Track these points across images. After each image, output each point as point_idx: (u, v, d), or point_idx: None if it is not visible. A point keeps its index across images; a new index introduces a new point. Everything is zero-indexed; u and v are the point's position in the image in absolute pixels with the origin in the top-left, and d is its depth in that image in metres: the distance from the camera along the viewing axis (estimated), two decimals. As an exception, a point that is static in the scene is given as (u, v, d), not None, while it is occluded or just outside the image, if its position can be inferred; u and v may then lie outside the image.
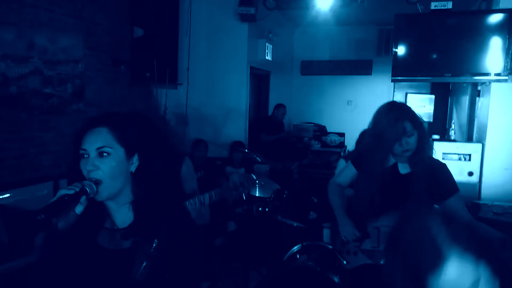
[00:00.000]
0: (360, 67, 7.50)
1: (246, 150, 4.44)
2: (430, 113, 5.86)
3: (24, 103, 3.34)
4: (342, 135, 7.00)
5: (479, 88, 4.21)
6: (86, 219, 1.16)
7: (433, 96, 5.93)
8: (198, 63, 5.35)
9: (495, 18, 3.70)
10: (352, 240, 2.08)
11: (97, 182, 1.14)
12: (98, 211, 1.22)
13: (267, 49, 6.01)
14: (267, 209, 3.69)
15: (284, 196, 3.82)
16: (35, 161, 3.46)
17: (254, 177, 3.67)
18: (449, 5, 3.80)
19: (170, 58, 4.55)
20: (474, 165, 3.87)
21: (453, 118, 5.49)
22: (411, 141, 1.91)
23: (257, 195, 3.69)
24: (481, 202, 3.70)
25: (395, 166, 2.04)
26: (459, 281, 0.92)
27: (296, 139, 7.01)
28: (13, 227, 2.01)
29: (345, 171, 2.26)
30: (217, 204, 3.50)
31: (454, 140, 4.46)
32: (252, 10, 5.03)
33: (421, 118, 2.00)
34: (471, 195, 3.78)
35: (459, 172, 3.82)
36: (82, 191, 1.10)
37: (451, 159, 3.88)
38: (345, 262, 2.14)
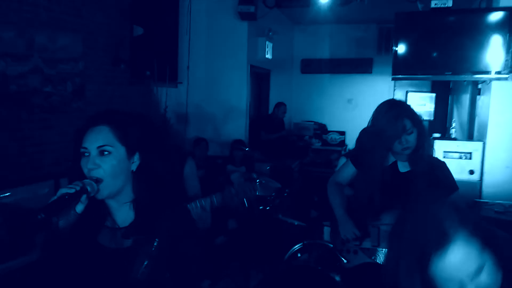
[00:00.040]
0: (360, 66, 7.49)
1: (247, 149, 4.43)
2: (430, 111, 5.86)
3: (24, 101, 3.33)
4: (342, 133, 7.00)
5: (479, 86, 4.20)
6: (86, 217, 1.16)
7: (433, 95, 5.92)
8: (198, 62, 5.35)
9: (495, 16, 3.69)
10: (351, 239, 2.08)
11: (98, 181, 1.14)
12: (99, 209, 1.22)
13: (267, 47, 6.00)
14: (268, 208, 3.69)
15: (285, 194, 3.82)
16: (35, 159, 3.46)
17: (255, 175, 3.67)
18: (449, 3, 3.79)
19: (170, 56, 4.54)
20: (475, 164, 3.86)
21: (453, 117, 5.49)
22: (411, 139, 1.91)
23: (257, 193, 3.69)
24: (482, 200, 3.70)
25: (394, 164, 2.04)
26: (463, 265, 0.91)
27: (297, 137, 7.01)
28: (14, 226, 2.01)
29: (344, 170, 2.26)
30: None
31: (454, 139, 4.46)
32: (252, 9, 5.02)
33: (421, 116, 2.00)
34: (472, 193, 3.77)
35: (460, 170, 3.81)
36: (83, 190, 1.10)
37: (452, 158, 3.88)
38: (345, 261, 2.14)
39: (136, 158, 1.21)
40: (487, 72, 3.72)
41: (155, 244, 1.17)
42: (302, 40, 7.77)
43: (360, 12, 6.05)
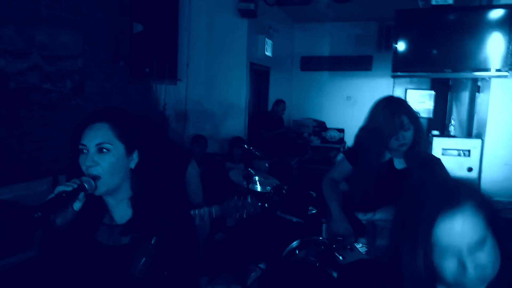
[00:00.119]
0: (360, 63, 7.48)
1: (246, 146, 4.43)
2: (430, 109, 5.86)
3: (24, 98, 3.33)
4: (341, 131, 7.00)
5: (479, 83, 4.20)
6: (84, 214, 1.16)
7: (433, 92, 5.92)
8: (197, 59, 5.34)
9: (495, 14, 3.69)
10: (345, 235, 2.08)
11: (96, 178, 1.14)
12: (96, 206, 1.22)
13: (267, 44, 5.99)
14: (266, 205, 3.69)
15: (284, 191, 3.82)
16: (34, 156, 3.47)
17: (253, 172, 3.67)
18: (450, 1, 3.79)
19: (169, 54, 4.54)
20: (473, 161, 3.87)
21: (452, 114, 5.48)
22: (408, 135, 1.92)
23: (256, 190, 3.70)
24: (480, 197, 3.70)
25: (390, 161, 2.05)
26: (466, 233, 0.91)
27: (296, 134, 7.01)
28: (12, 223, 2.01)
29: (339, 166, 2.26)
30: (216, 200, 3.50)
31: (453, 136, 4.46)
32: (252, 6, 5.01)
33: (417, 113, 2.01)
34: (470, 191, 3.77)
35: (458, 167, 3.82)
36: (81, 188, 1.10)
37: (451, 155, 3.89)
38: (341, 257, 2.15)
39: (135, 156, 1.21)
40: (487, 70, 3.72)
41: (152, 241, 1.17)
42: (302, 38, 7.76)
43: (360, 9, 6.04)
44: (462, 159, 3.89)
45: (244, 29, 5.36)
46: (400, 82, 6.67)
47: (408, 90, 6.12)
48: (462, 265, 0.90)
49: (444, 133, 4.90)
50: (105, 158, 1.15)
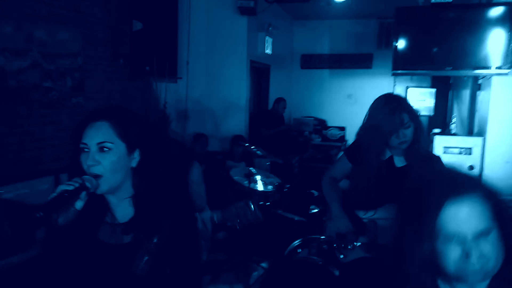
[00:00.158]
0: (360, 61, 7.47)
1: (247, 144, 4.43)
2: (430, 107, 5.86)
3: (24, 97, 3.32)
4: (342, 129, 7.00)
5: (480, 81, 4.19)
6: (86, 213, 1.16)
7: (433, 90, 5.91)
8: (197, 57, 5.33)
9: (496, 11, 3.68)
10: (346, 233, 2.08)
11: (97, 177, 1.14)
12: (98, 205, 1.22)
13: (267, 42, 5.98)
14: (268, 203, 3.69)
15: (285, 190, 3.82)
16: (35, 155, 3.46)
17: (254, 171, 3.67)
18: (450, -2, 3.78)
19: (169, 51, 4.52)
20: (475, 159, 3.86)
21: (454, 112, 5.48)
22: (408, 132, 1.92)
23: (257, 189, 3.69)
24: (481, 195, 3.70)
25: (390, 159, 2.04)
26: (472, 220, 0.91)
27: (297, 133, 7.01)
28: (14, 222, 2.01)
29: (338, 164, 2.26)
30: (217, 198, 3.49)
31: (455, 134, 4.46)
32: (251, 3, 5.00)
33: (417, 110, 2.01)
34: (472, 189, 3.77)
35: (459, 166, 3.82)
36: (82, 187, 1.09)
37: (452, 153, 3.88)
38: (341, 256, 2.15)
39: (136, 155, 1.20)
40: (488, 67, 3.71)
41: (154, 240, 1.16)
42: (302, 35, 7.74)
43: (360, 7, 6.03)
44: (463, 157, 3.88)
45: (244, 27, 5.35)
46: (401, 80, 6.67)
47: (408, 88, 6.12)
48: (465, 254, 0.90)
49: (445, 131, 4.90)
50: (107, 157, 1.14)
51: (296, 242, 2.69)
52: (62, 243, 1.15)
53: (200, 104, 5.44)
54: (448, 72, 4.09)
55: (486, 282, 0.96)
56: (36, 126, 3.46)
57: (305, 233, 2.84)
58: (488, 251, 0.90)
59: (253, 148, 4.11)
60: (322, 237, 2.60)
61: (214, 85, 5.44)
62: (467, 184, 0.95)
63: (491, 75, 3.78)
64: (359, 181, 2.06)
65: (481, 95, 4.18)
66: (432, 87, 6.07)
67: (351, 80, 7.56)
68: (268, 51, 6.08)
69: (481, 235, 0.90)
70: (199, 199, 2.44)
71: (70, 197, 1.07)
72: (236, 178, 3.77)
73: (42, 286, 1.17)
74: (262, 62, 6.14)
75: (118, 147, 1.16)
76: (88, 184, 1.11)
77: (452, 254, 0.91)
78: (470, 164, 3.86)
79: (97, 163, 1.13)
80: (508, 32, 3.61)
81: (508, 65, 3.64)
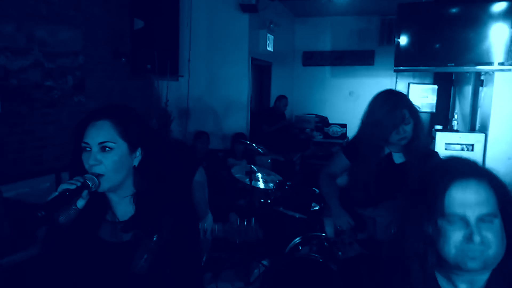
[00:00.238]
0: (362, 58, 7.44)
1: (248, 142, 4.43)
2: (432, 103, 5.84)
3: (25, 96, 3.33)
4: (344, 126, 6.97)
5: (482, 77, 4.18)
6: (87, 211, 1.16)
7: (435, 86, 5.89)
8: (199, 55, 5.32)
9: (498, 7, 3.66)
10: (347, 229, 2.08)
11: (99, 176, 1.14)
12: (99, 203, 1.22)
13: (269, 40, 5.97)
14: (269, 201, 3.69)
15: (286, 187, 3.82)
16: (36, 154, 3.47)
17: (256, 168, 3.67)
18: (452, -6, 3.76)
19: (171, 49, 4.52)
20: (477, 155, 3.85)
21: (456, 108, 5.46)
22: (408, 129, 1.92)
23: (259, 186, 3.70)
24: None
25: (389, 155, 2.04)
26: (477, 201, 0.90)
27: (298, 130, 6.99)
28: (16, 221, 2.02)
29: (336, 161, 2.25)
30: (219, 196, 3.50)
31: (457, 130, 4.44)
32: (253, 1, 4.99)
33: (417, 106, 2.00)
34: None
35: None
36: (84, 185, 1.09)
37: (454, 149, 3.87)
38: (340, 253, 2.15)
39: (138, 153, 1.20)
40: (490, 63, 3.70)
41: (154, 238, 1.16)
42: (303, 33, 7.72)
43: (362, 3, 6.00)
44: (465, 153, 3.87)
45: (246, 24, 5.34)
46: (403, 77, 6.64)
47: (410, 85, 6.09)
48: (467, 237, 0.90)
49: (447, 127, 4.89)
50: (108, 157, 1.14)
51: (297, 240, 2.69)
52: (63, 241, 1.15)
53: (201, 102, 5.44)
54: (450, 68, 4.08)
55: (486, 276, 0.95)
56: (37, 125, 3.47)
57: (306, 230, 2.84)
58: (489, 238, 0.90)
59: (255, 145, 4.11)
60: (323, 234, 2.60)
61: (215, 83, 5.44)
62: (474, 168, 0.96)
63: (494, 71, 3.76)
64: (358, 177, 2.05)
65: (483, 91, 4.17)
66: (434, 83, 6.05)
67: (352, 77, 7.53)
68: (270, 48, 6.06)
69: (485, 220, 0.90)
70: (201, 204, 2.44)
71: (71, 196, 1.07)
72: (237, 176, 3.77)
73: (43, 284, 1.17)
74: (264, 60, 6.13)
75: (120, 146, 1.16)
76: (89, 183, 1.10)
77: (454, 237, 0.91)
78: (472, 161, 3.85)
79: (98, 162, 1.13)
80: (511, 28, 3.59)
81: (510, 61, 3.62)
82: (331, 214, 2.16)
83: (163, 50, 4.38)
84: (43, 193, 3.16)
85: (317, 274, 2.39)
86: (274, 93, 6.53)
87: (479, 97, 4.27)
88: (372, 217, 2.07)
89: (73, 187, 1.07)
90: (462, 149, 3.88)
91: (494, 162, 3.82)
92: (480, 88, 4.23)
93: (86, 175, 1.12)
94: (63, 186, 1.08)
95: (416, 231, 0.95)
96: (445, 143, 3.90)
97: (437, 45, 3.88)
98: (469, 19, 3.75)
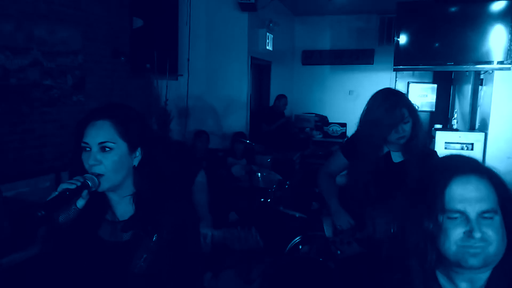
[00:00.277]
0: (361, 57, 7.44)
1: (248, 141, 4.43)
2: (432, 102, 5.84)
3: (25, 95, 3.33)
4: (343, 125, 6.98)
5: (481, 76, 4.18)
6: (87, 211, 1.15)
7: (435, 85, 5.90)
8: (198, 54, 5.32)
9: (497, 6, 3.66)
10: (347, 228, 2.08)
11: (99, 175, 1.13)
12: (99, 203, 1.22)
13: (268, 39, 5.96)
14: (269, 200, 3.69)
15: (286, 186, 3.82)
16: (36, 153, 3.46)
17: (255, 168, 3.67)
18: (452, -7, 3.76)
19: (170, 49, 4.52)
20: (476, 154, 3.85)
21: (455, 107, 5.46)
22: (407, 128, 1.93)
23: (259, 186, 3.70)
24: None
25: (388, 154, 2.04)
26: (478, 196, 0.90)
27: (298, 129, 6.99)
28: (16, 220, 2.02)
29: (334, 160, 2.24)
30: (218, 196, 3.49)
31: (456, 130, 4.44)
32: (252, 0, 4.98)
33: (415, 105, 2.00)
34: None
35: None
36: (84, 185, 1.09)
37: (454, 148, 3.87)
38: (339, 252, 2.15)
39: (138, 153, 1.20)
40: (490, 62, 3.70)
41: (154, 238, 1.16)
42: (303, 31, 7.72)
43: (361, 2, 6.01)
44: (465, 152, 3.87)
45: (245, 23, 5.33)
46: (402, 76, 6.64)
47: (410, 84, 6.09)
48: (469, 232, 0.89)
49: (447, 126, 4.89)
50: (108, 157, 1.14)
51: (297, 239, 2.69)
52: (62, 241, 1.15)
53: (201, 101, 5.43)
54: (450, 67, 4.08)
55: (487, 274, 0.95)
56: (37, 124, 3.47)
57: (306, 229, 2.84)
58: (490, 235, 0.89)
59: (254, 145, 4.11)
60: (322, 233, 2.60)
61: (215, 82, 5.43)
62: (474, 165, 0.96)
63: (493, 69, 3.76)
64: (357, 176, 2.05)
65: (483, 90, 4.17)
66: (433, 82, 6.05)
67: (352, 76, 7.53)
68: (269, 47, 6.06)
69: (484, 216, 0.90)
70: (202, 206, 2.43)
71: (71, 195, 1.07)
72: (237, 175, 3.77)
73: (43, 283, 1.17)
74: (263, 59, 6.12)
75: (120, 146, 1.15)
76: (89, 183, 1.10)
77: (454, 233, 0.91)
78: (472, 160, 3.85)
79: (98, 162, 1.13)
80: (510, 27, 3.59)
81: (510, 60, 3.63)
82: (331, 213, 2.16)
83: (162, 49, 4.38)
84: (43, 192, 3.15)
85: (317, 274, 2.39)
86: (274, 92, 6.53)
87: (479, 96, 4.27)
88: (371, 216, 2.07)
89: (73, 187, 1.07)
90: (462, 148, 3.89)
91: (494, 161, 3.82)
92: (480, 87, 4.23)
93: (86, 175, 1.12)
94: (63, 186, 1.07)
95: (416, 229, 0.95)
96: (445, 142, 3.91)
97: (437, 44, 3.88)
98: (468, 18, 3.76)
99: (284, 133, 6.15)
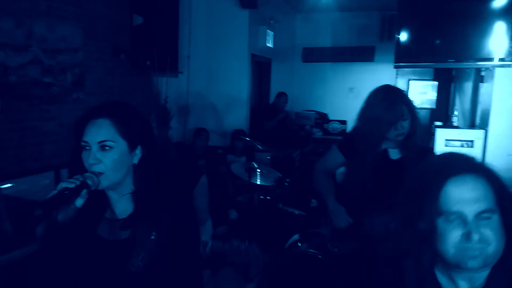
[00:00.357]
0: (362, 54, 7.42)
1: (248, 139, 4.43)
2: (432, 99, 5.83)
3: (25, 92, 3.33)
4: (343, 122, 6.97)
5: (482, 73, 4.16)
6: (86, 209, 1.15)
7: (436, 83, 5.88)
8: (198, 51, 5.31)
9: (499, 3, 3.64)
10: (345, 226, 2.07)
11: (99, 174, 1.13)
12: (98, 201, 1.22)
13: (268, 36, 5.95)
14: (268, 197, 3.69)
15: (286, 184, 3.82)
16: (36, 150, 3.47)
17: (255, 165, 3.67)
18: (453, -10, 3.74)
19: (170, 46, 4.51)
20: (477, 152, 3.84)
21: (456, 105, 5.44)
22: (406, 125, 1.93)
23: (258, 183, 3.70)
24: (483, 188, 3.68)
25: (385, 151, 2.04)
26: (474, 197, 0.89)
27: (298, 127, 6.98)
28: (15, 218, 2.02)
29: (331, 157, 2.23)
30: (218, 193, 3.50)
31: (457, 127, 4.44)
32: (252, -3, 4.97)
33: (414, 102, 2.00)
34: (474, 181, 3.76)
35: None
36: (83, 184, 1.09)
37: (454, 146, 3.86)
38: (336, 249, 2.15)
39: (138, 151, 1.20)
40: (490, 59, 3.68)
41: (152, 236, 1.16)
42: (303, 29, 7.69)
43: (362, -1, 5.98)
44: (465, 150, 3.86)
45: (245, 20, 5.32)
46: (403, 73, 6.62)
47: (411, 81, 6.08)
48: (466, 236, 0.88)
49: (447, 124, 4.88)
50: (108, 156, 1.13)
51: (296, 236, 2.69)
52: (61, 239, 1.15)
53: (201, 99, 5.43)
54: (451, 64, 4.06)
55: (486, 273, 0.94)
56: (36, 121, 3.47)
57: (305, 227, 2.85)
58: (488, 235, 0.88)
59: (254, 142, 4.11)
60: (315, 230, 2.60)
61: (215, 79, 5.42)
62: (470, 164, 0.94)
63: (494, 67, 3.75)
64: (355, 173, 2.05)
65: (483, 87, 4.15)
66: (434, 79, 6.03)
67: (353, 73, 7.51)
68: (270, 44, 6.04)
69: (482, 217, 0.88)
70: (202, 210, 2.43)
71: (70, 195, 1.06)
72: (237, 172, 3.77)
73: (42, 281, 1.17)
74: (264, 56, 6.11)
75: (120, 145, 1.15)
76: (89, 182, 1.10)
77: (452, 236, 0.89)
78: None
79: (98, 161, 1.13)
80: (511, 23, 3.57)
81: (511, 57, 3.61)
82: (329, 211, 2.15)
83: (162, 46, 4.37)
84: (43, 190, 3.16)
85: (316, 270, 2.40)
86: (274, 89, 6.51)
87: (479, 93, 4.26)
88: (369, 213, 2.07)
89: (72, 186, 1.07)
90: (462, 146, 3.88)
91: (494, 158, 3.81)
92: (480, 84, 4.22)
93: (85, 173, 1.12)
94: (63, 185, 1.07)
95: (410, 230, 0.93)
96: (445, 140, 3.89)
97: (438, 41, 3.86)
98: (470, 15, 3.74)
99: (284, 130, 6.15)
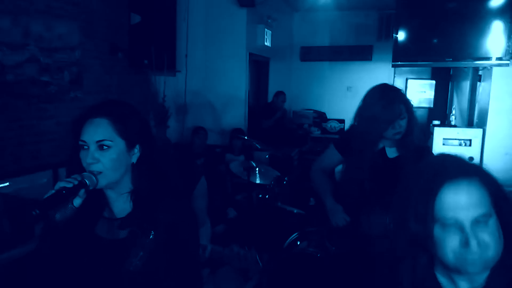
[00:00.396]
0: (360, 53, 7.43)
1: (246, 138, 4.42)
2: (430, 98, 5.83)
3: (22, 91, 3.31)
4: (342, 121, 6.98)
5: (480, 72, 4.18)
6: (84, 208, 1.15)
7: (433, 82, 5.89)
8: (196, 50, 5.30)
9: (496, 2, 3.65)
10: (342, 225, 2.07)
11: (97, 173, 1.13)
12: (97, 200, 1.21)
13: (266, 35, 5.94)
14: (267, 196, 3.69)
15: (284, 182, 3.82)
16: (33, 149, 3.45)
17: (254, 164, 3.66)
18: (451, -11, 3.75)
19: (168, 44, 4.50)
20: (474, 151, 3.86)
21: (453, 104, 5.46)
22: (403, 123, 1.93)
23: (257, 182, 3.70)
24: (481, 187, 3.69)
25: (383, 150, 2.04)
26: (470, 203, 0.88)
27: (296, 126, 6.99)
28: (13, 217, 2.02)
29: (328, 155, 2.23)
30: (217, 192, 3.49)
31: (454, 126, 4.45)
32: (250, -5, 4.96)
33: (411, 101, 2.00)
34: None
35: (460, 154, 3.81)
36: (81, 184, 1.08)
37: (452, 145, 3.87)
38: (333, 248, 2.15)
39: (136, 150, 1.19)
40: (488, 58, 3.69)
41: (151, 236, 1.16)
42: (301, 27, 7.69)
43: (360, -2, 5.98)
44: (463, 148, 3.87)
45: (243, 19, 5.31)
46: (401, 72, 6.63)
47: (408, 80, 6.09)
48: (464, 242, 0.87)
49: (445, 122, 4.89)
50: (106, 155, 1.13)
51: (295, 235, 2.70)
52: (59, 238, 1.14)
53: (199, 98, 5.42)
54: (449, 64, 4.07)
55: (486, 273, 0.94)
56: (34, 120, 3.45)
57: (304, 225, 2.85)
58: (486, 240, 0.87)
59: (252, 141, 4.11)
60: (314, 229, 2.60)
61: (213, 78, 5.42)
62: (464, 168, 0.92)
63: (492, 66, 3.76)
64: (352, 172, 2.05)
65: (481, 86, 4.17)
66: (432, 78, 6.04)
67: (350, 72, 7.52)
68: (268, 43, 6.04)
69: (479, 221, 0.87)
70: (200, 212, 2.43)
71: (68, 194, 1.06)
72: (235, 171, 3.77)
73: (40, 280, 1.16)
74: (262, 55, 6.10)
75: (118, 144, 1.15)
76: (87, 181, 1.09)
77: (450, 243, 0.89)
78: (469, 156, 3.86)
79: (96, 161, 1.12)
80: (509, 23, 3.58)
81: (508, 56, 3.62)
82: (327, 210, 2.15)
83: (160, 45, 4.36)
84: (41, 188, 3.15)
85: (315, 269, 2.40)
86: (272, 88, 6.51)
87: (477, 92, 4.27)
88: (366, 212, 2.07)
89: (70, 185, 1.06)
90: (460, 144, 3.89)
91: (492, 157, 3.83)
92: (478, 83, 4.23)
93: (84, 173, 1.11)
94: (60, 184, 1.07)
95: (405, 234, 0.93)
96: (443, 139, 3.91)
97: (435, 40, 3.87)
98: (467, 14, 3.74)
99: (282, 129, 6.15)
